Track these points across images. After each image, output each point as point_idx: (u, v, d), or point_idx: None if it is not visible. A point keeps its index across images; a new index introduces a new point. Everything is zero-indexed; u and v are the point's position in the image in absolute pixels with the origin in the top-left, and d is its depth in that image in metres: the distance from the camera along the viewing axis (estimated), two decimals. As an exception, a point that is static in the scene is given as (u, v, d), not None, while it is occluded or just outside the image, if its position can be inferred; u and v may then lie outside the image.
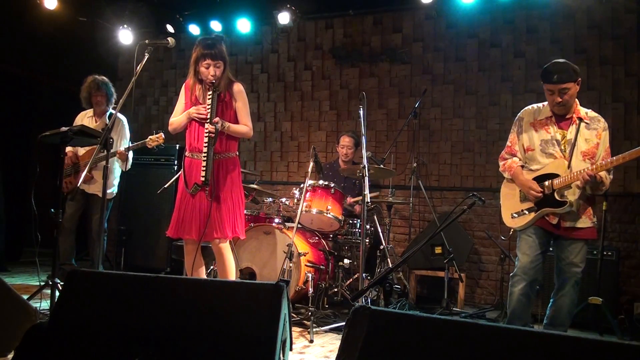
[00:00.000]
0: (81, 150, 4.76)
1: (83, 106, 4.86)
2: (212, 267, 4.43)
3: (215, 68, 3.32)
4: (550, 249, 3.34)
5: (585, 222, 3.17)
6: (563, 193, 3.13)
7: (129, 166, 4.75)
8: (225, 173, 3.42)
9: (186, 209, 3.38)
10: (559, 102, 3.11)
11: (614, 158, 2.98)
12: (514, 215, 3.30)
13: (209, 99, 3.32)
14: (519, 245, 3.27)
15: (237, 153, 3.54)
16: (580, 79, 3.13)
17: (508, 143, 3.42)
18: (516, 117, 3.40)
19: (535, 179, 3.21)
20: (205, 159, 3.25)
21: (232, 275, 3.47)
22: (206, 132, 3.26)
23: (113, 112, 4.82)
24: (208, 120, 3.27)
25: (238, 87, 3.47)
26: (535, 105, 3.35)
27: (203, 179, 3.22)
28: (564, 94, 3.08)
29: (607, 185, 3.11)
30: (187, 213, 3.37)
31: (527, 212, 3.23)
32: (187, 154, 3.47)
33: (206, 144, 3.26)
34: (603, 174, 3.06)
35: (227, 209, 3.38)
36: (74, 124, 4.84)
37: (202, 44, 3.35)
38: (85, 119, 4.85)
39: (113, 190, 4.83)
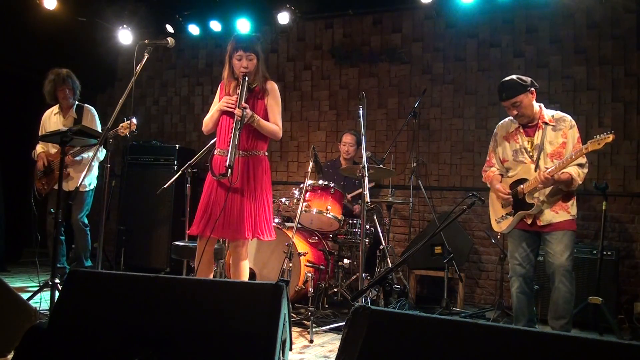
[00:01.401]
0: (52, 149, 4.66)
1: (47, 102, 4.71)
2: (214, 267, 4.43)
3: (248, 60, 3.25)
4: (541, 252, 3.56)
5: (563, 216, 3.31)
6: (533, 195, 3.32)
7: (99, 158, 4.62)
8: (251, 171, 3.30)
9: (213, 208, 3.27)
10: (516, 115, 3.38)
11: (562, 160, 3.19)
12: (498, 220, 3.55)
13: (238, 87, 3.24)
14: (509, 249, 3.54)
15: (266, 153, 3.42)
16: (532, 88, 3.34)
17: (487, 157, 3.69)
18: (493, 132, 3.66)
19: (511, 184, 3.44)
20: (230, 144, 3.09)
21: (244, 279, 3.40)
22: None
23: (79, 103, 4.76)
24: (237, 107, 3.16)
25: (272, 85, 3.39)
26: (508, 119, 3.57)
27: (227, 162, 3.04)
28: (517, 107, 3.34)
29: (577, 181, 3.24)
30: (213, 212, 3.27)
31: (507, 217, 3.47)
32: (215, 151, 3.36)
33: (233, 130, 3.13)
34: (574, 170, 3.20)
35: (249, 209, 3.26)
36: (42, 125, 4.77)
37: (236, 37, 3.33)
38: (52, 116, 4.75)
39: (91, 182, 4.77)
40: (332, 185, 4.43)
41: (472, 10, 5.35)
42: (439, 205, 5.52)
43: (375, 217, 4.76)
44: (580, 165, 3.24)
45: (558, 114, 3.41)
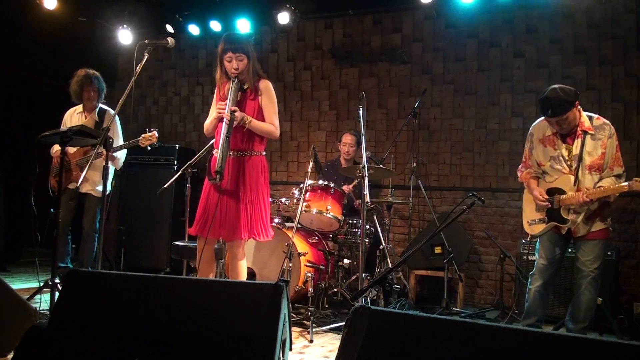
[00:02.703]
0: (71, 149, 4.62)
1: (73, 100, 4.70)
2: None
3: (238, 61, 3.23)
4: (569, 249, 3.59)
5: (598, 225, 3.31)
6: (569, 208, 3.29)
7: (120, 165, 4.63)
8: (247, 172, 3.29)
9: (209, 209, 3.29)
10: (560, 129, 3.28)
11: (605, 188, 3.15)
12: (530, 222, 3.52)
13: (228, 90, 3.23)
14: (538, 248, 3.51)
15: (264, 153, 3.40)
16: (577, 101, 3.23)
17: (523, 158, 3.62)
18: (528, 133, 3.58)
19: (547, 190, 3.40)
20: (219, 148, 3.11)
21: (242, 279, 3.41)
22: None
23: (103, 107, 4.75)
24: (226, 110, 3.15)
25: (265, 84, 3.38)
26: (543, 119, 3.44)
27: (216, 168, 3.06)
28: (563, 122, 3.23)
29: (615, 193, 3.20)
30: (209, 212, 3.28)
31: (540, 222, 3.43)
32: (214, 151, 3.36)
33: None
34: (610, 182, 3.19)
35: (244, 210, 3.25)
36: (63, 122, 4.74)
37: (225, 38, 3.30)
38: (75, 115, 4.74)
39: (100, 189, 4.74)
40: (332, 185, 4.43)
41: (472, 10, 5.35)
42: (439, 205, 5.52)
43: (375, 217, 4.76)
44: (618, 177, 3.23)
45: (598, 120, 3.30)
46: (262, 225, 3.34)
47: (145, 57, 3.38)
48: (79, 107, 4.77)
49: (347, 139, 5.16)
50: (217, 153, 3.32)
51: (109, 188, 4.75)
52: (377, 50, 5.84)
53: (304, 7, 5.78)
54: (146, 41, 3.41)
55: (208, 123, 3.40)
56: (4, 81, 6.24)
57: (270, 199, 4.87)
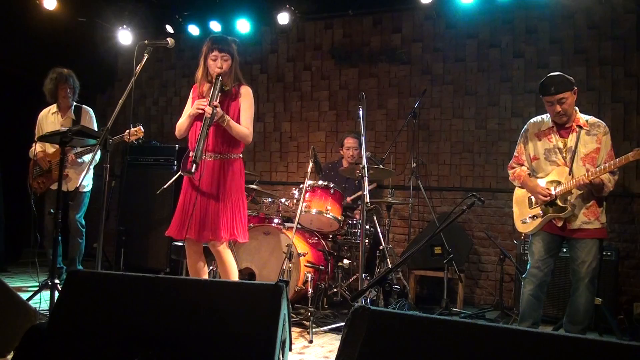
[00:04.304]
0: (51, 149, 4.63)
1: (47, 100, 4.69)
2: (211, 267, 4.43)
3: (223, 61, 3.29)
4: (564, 250, 3.57)
5: (593, 223, 3.29)
6: (566, 198, 3.30)
7: (96, 160, 4.59)
8: (226, 174, 3.36)
9: (188, 210, 3.35)
10: (558, 112, 3.29)
11: (605, 165, 3.15)
12: (524, 220, 3.50)
13: (211, 87, 3.27)
14: (529, 250, 3.49)
15: (241, 156, 3.48)
16: (576, 88, 3.31)
17: (515, 153, 3.62)
18: (522, 129, 3.60)
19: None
20: (198, 140, 3.15)
21: (233, 277, 3.44)
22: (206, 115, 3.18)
23: (77, 104, 4.75)
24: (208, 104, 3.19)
25: (246, 90, 3.44)
26: (539, 117, 3.53)
27: (193, 157, 3.11)
28: (563, 103, 3.27)
29: (609, 187, 3.23)
30: (187, 213, 3.35)
31: (534, 218, 3.42)
32: (190, 153, 3.41)
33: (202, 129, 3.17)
34: (605, 176, 3.19)
35: (224, 211, 3.32)
36: (38, 124, 4.75)
37: (212, 38, 3.36)
38: (50, 115, 4.74)
39: (88, 183, 4.76)
40: (331, 185, 4.44)
41: (472, 11, 5.35)
42: (439, 205, 5.52)
43: (375, 218, 4.76)
44: (612, 173, 3.23)
45: (592, 119, 3.37)
46: (241, 226, 3.42)
47: (145, 58, 3.39)
48: (53, 107, 4.76)
49: (350, 142, 5.13)
50: (192, 153, 3.35)
51: (92, 183, 4.78)
52: (377, 51, 5.85)
53: (303, 8, 5.79)
54: (146, 41, 3.41)
55: (182, 122, 3.44)
56: (4, 81, 6.24)
57: (270, 199, 4.91)
